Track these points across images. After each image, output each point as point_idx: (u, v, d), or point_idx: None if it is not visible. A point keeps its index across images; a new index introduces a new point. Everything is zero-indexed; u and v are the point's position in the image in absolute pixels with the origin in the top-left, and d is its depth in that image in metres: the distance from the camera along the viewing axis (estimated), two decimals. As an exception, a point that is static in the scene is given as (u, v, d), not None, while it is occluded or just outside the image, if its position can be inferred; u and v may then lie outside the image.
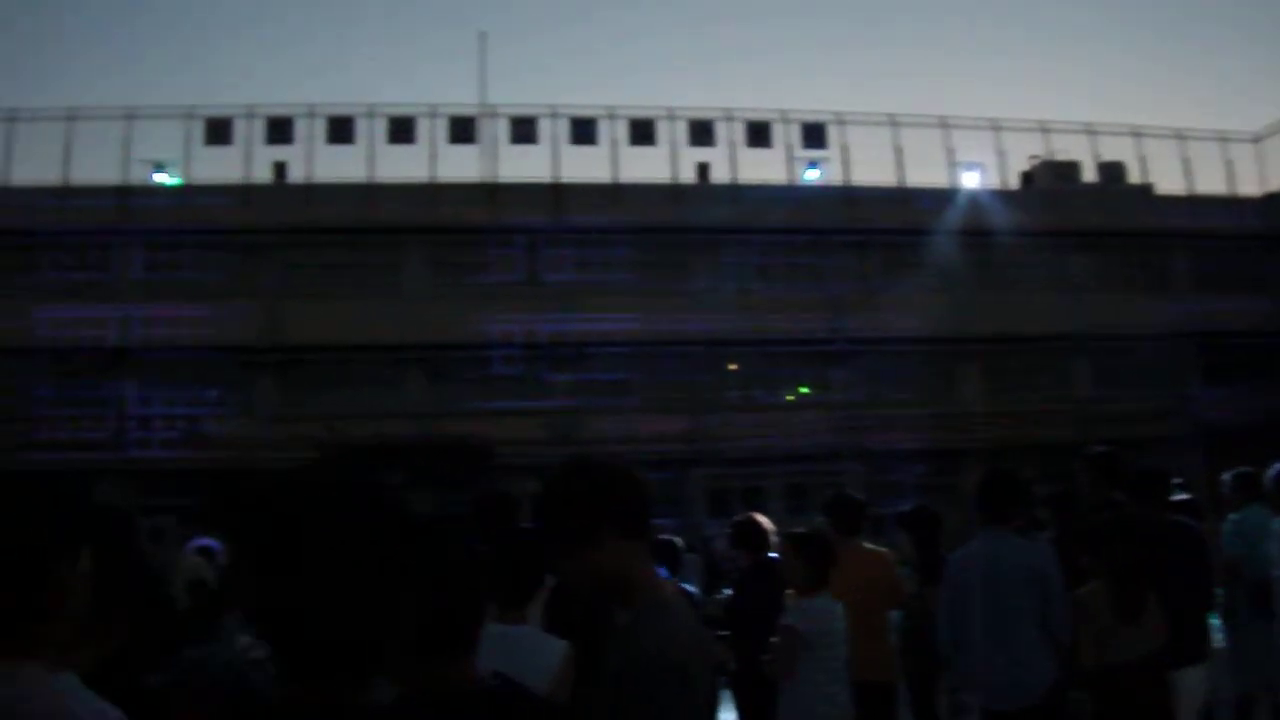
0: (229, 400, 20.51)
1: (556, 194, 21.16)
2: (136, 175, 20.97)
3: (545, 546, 2.31)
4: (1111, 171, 23.91)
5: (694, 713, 1.76)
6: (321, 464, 1.23)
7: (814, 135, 22.25)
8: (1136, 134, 23.47)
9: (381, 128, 20.95)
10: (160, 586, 4.15)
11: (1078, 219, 22.46)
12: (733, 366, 22.19)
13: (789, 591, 4.33)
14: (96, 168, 26.30)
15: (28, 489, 1.46)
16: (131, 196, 20.58)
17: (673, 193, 21.69)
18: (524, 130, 21.17)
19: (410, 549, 1.14)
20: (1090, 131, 23.47)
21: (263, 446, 19.68)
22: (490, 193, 21.01)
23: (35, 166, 29.08)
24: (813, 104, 37.78)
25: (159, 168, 21.21)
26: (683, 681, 1.71)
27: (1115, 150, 23.73)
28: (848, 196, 22.08)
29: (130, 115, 20.89)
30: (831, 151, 22.54)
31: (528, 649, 2.45)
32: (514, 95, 49.46)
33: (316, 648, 1.08)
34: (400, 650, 1.10)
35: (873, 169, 22.44)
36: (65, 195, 20.47)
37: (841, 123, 22.43)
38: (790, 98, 55.12)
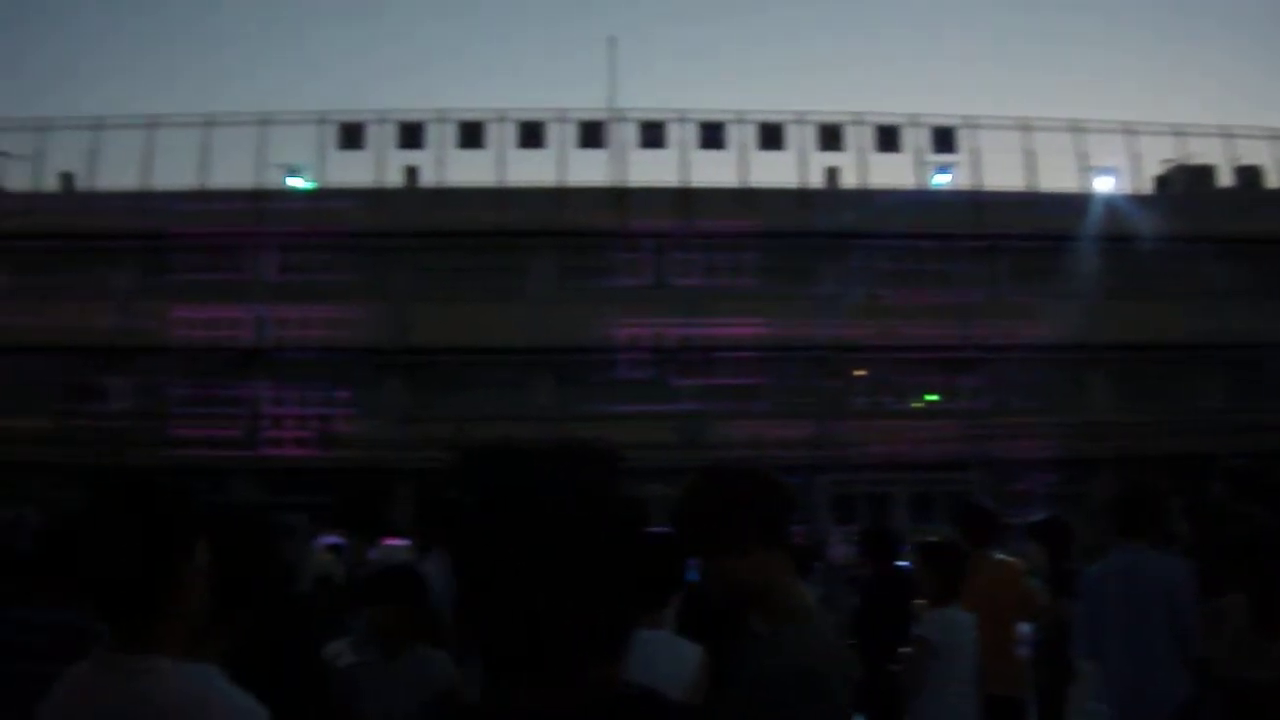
0: (359, 400, 20.69)
1: (684, 199, 21.13)
2: (271, 179, 21.32)
3: (681, 551, 2.26)
4: (1248, 175, 23.35)
5: None
6: (521, 465, 1.07)
7: (944, 139, 22.00)
8: (1275, 136, 22.90)
9: (511, 132, 21.09)
10: (290, 584, 4.25)
11: (1213, 224, 21.91)
12: (860, 372, 21.96)
13: (919, 601, 4.31)
14: (232, 172, 26.95)
15: (145, 487, 1.48)
16: (266, 200, 20.92)
17: (801, 197, 21.55)
18: (653, 135, 21.18)
19: (624, 549, 1.12)
20: (1226, 135, 22.94)
21: (391, 447, 19.98)
22: (619, 197, 21.02)
23: (174, 171, 30.05)
24: (942, 108, 37.44)
25: (293, 172, 21.53)
26: (822, 694, 1.70)
27: (1253, 154, 23.20)
28: (977, 201, 21.78)
29: (265, 121, 21.24)
30: (961, 156, 22.29)
31: (664, 654, 2.45)
32: (643, 100, 49.59)
33: (531, 650, 1.04)
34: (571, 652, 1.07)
35: (1003, 173, 22.22)
36: (202, 199, 20.90)
37: (972, 127, 22.18)
38: (920, 102, 54.64)
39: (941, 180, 22.72)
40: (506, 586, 1.05)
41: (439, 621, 3.35)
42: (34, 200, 21.54)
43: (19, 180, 22.35)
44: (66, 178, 22.41)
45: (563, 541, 1.05)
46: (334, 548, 7.29)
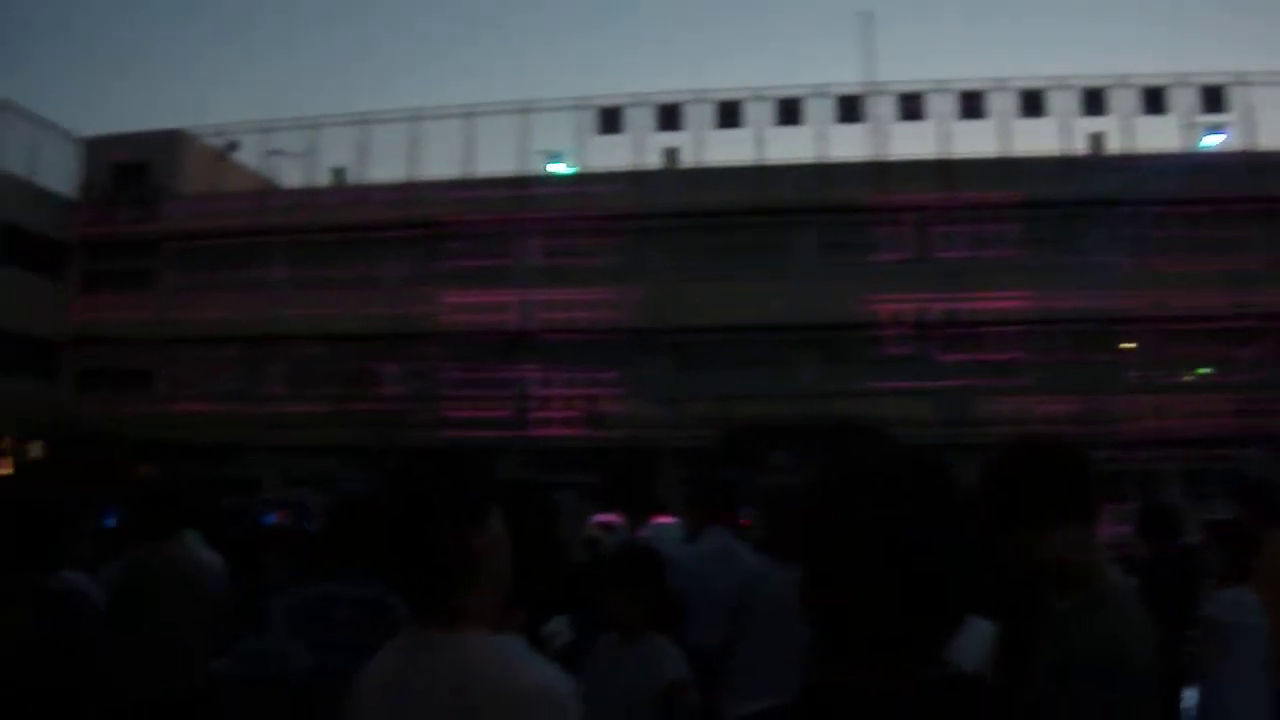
0: (624, 381, 25.33)
1: (945, 170, 25.13)
2: (533, 166, 26.27)
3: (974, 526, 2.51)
4: None
5: (1139, 708, 1.95)
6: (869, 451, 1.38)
7: (1213, 99, 25.46)
8: None
9: (769, 110, 25.50)
10: (565, 560, 5.39)
11: None
12: (1129, 345, 25.53)
13: (1209, 581, 4.68)
14: (496, 160, 32.45)
15: (440, 461, 1.82)
16: (529, 186, 25.84)
17: (1065, 165, 25.29)
18: (911, 107, 25.30)
19: (962, 525, 1.33)
20: None
21: (656, 426, 24.54)
22: (879, 171, 25.20)
23: (440, 162, 36.00)
24: (1211, 65, 40.38)
25: (554, 158, 26.46)
26: (1129, 674, 1.93)
27: None
28: (1253, 163, 25.09)
29: (525, 109, 26.26)
30: (1233, 115, 25.67)
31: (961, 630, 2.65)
32: (900, 72, 53.68)
33: (880, 629, 1.26)
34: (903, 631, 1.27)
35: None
36: (467, 188, 25.94)
37: (1244, 84, 25.57)
38: (1187, 60, 56.58)
39: (1212, 142, 26.16)
40: (860, 565, 1.26)
41: (673, 605, 3.82)
42: (309, 195, 27.08)
43: (294, 177, 28.06)
44: (338, 173, 27.91)
45: (916, 519, 1.26)
46: (605, 525, 8.18)
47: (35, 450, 27.19)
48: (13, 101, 27.82)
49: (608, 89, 53.38)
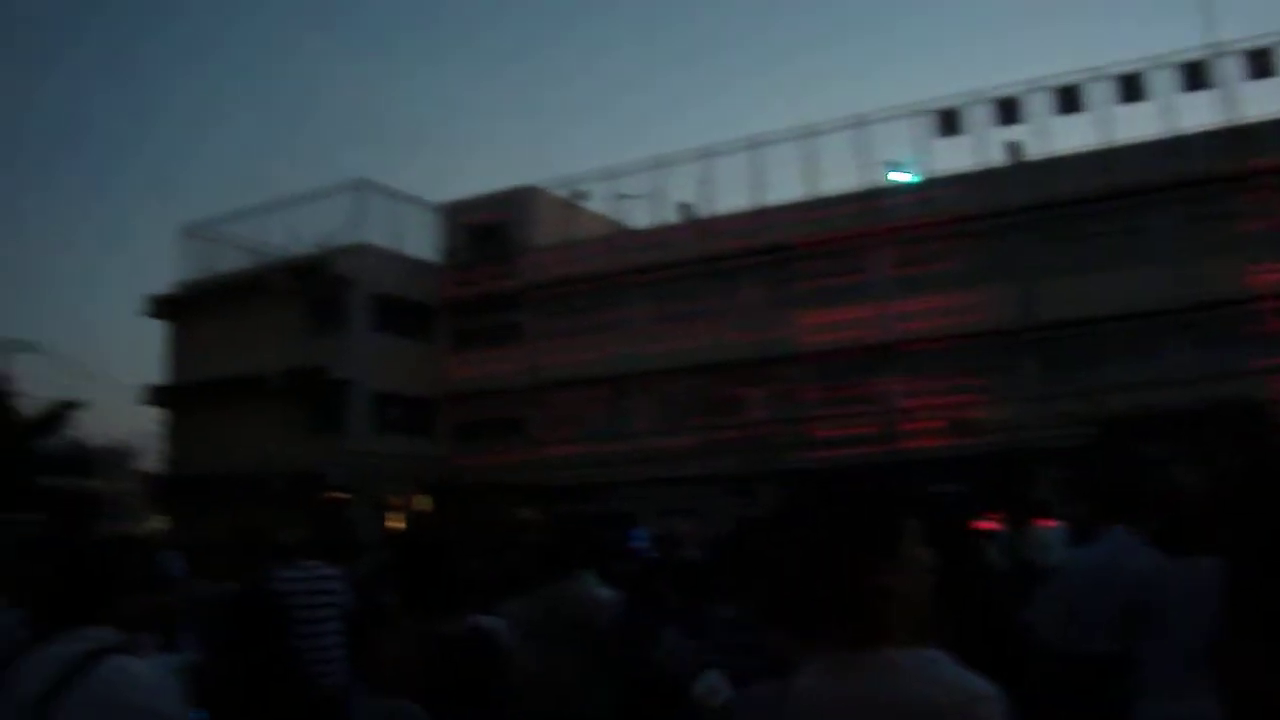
0: (989, 385, 33.06)
1: (1310, 127, 31.50)
2: (877, 177, 34.85)
3: None
4: None
5: None
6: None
7: None
8: None
9: (1110, 89, 32.85)
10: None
11: None
12: None
13: None
14: (838, 177, 41.62)
15: (844, 483, 2.34)
16: (874, 199, 34.35)
17: None
18: (1261, 64, 31.83)
19: None
20: None
21: (1026, 428, 32.00)
22: (1235, 137, 31.88)
23: (783, 185, 46.52)
24: None
25: (895, 167, 34.96)
26: None
27: None
28: None
29: (861, 122, 34.89)
30: None
31: None
32: (1245, 26, 59.44)
33: None
34: None
35: None
36: (813, 208, 34.82)
37: None
38: None
39: None
40: None
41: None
42: (659, 233, 37.04)
43: (643, 217, 38.29)
44: (685, 208, 37.70)
45: None
46: (985, 532, 9.26)
47: (422, 504, 38.35)
48: (370, 180, 39.73)
49: (946, 90, 61.64)
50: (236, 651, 4.49)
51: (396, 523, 35.80)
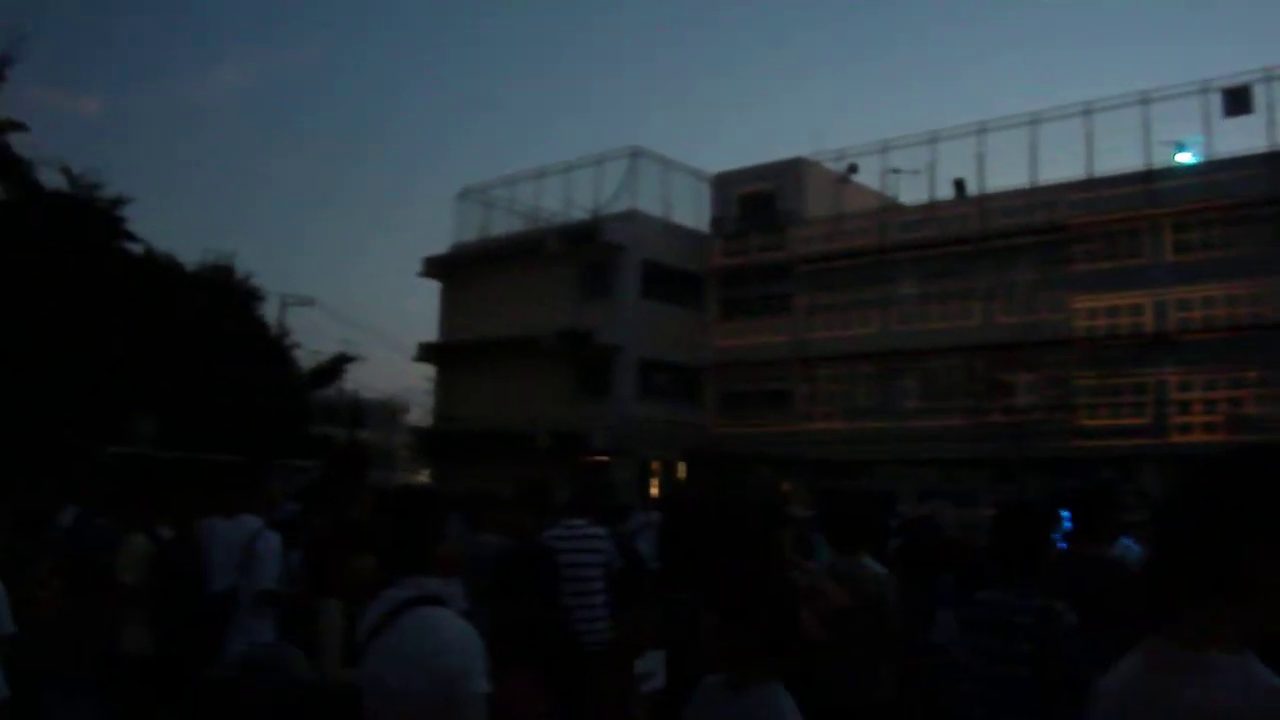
0: (1269, 379, 35.56)
1: None
2: (1158, 158, 37.84)
3: None
4: None
5: None
6: None
7: None
8: None
9: None
10: None
11: None
12: None
13: None
14: (1119, 156, 44.27)
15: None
16: (1154, 180, 37.24)
17: None
18: None
19: None
20: None
21: (1307, 425, 34.41)
22: None
23: (1060, 163, 49.44)
24: None
25: (1179, 147, 37.85)
26: None
27: None
28: None
29: (1145, 100, 37.65)
30: None
31: None
32: None
33: None
34: None
35: None
36: (1091, 187, 38.00)
37: None
38: None
39: None
40: None
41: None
42: (930, 209, 40.99)
43: (915, 193, 42.40)
44: (958, 184, 41.63)
45: None
46: None
47: (679, 472, 43.51)
48: (643, 148, 44.98)
49: (1235, 67, 63.19)
50: (511, 604, 5.07)
51: (653, 489, 40.25)
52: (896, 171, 42.03)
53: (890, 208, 42.78)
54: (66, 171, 34.11)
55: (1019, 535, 5.68)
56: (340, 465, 8.93)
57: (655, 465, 42.40)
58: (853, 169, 44.01)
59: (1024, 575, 5.54)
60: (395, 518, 4.44)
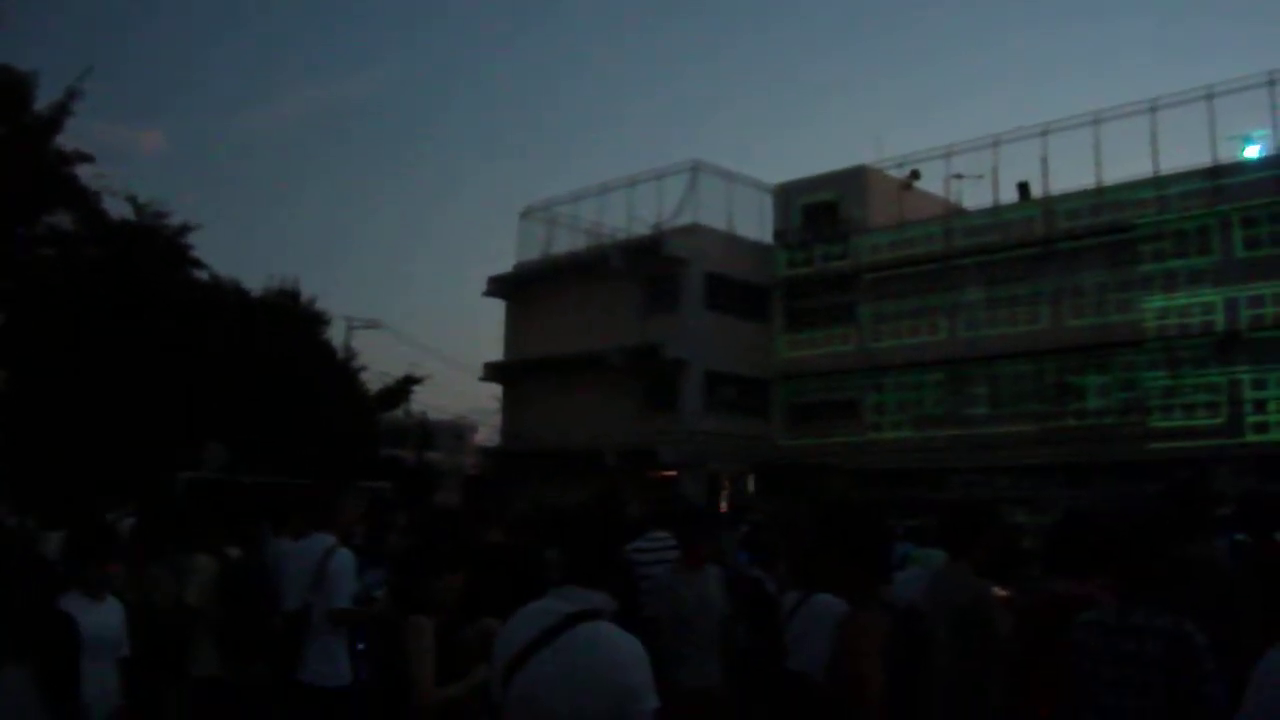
0: (1346, 377, 35.45)
1: None
2: (1224, 153, 37.70)
3: None
4: None
5: None
6: None
7: None
8: None
9: None
10: None
11: None
12: None
13: None
14: (1184, 153, 44.07)
15: None
16: (1222, 175, 37.09)
17: None
18: None
19: None
20: None
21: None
22: None
23: (1125, 162, 49.27)
24: None
25: (1247, 141, 37.67)
26: None
27: None
28: None
29: (1210, 95, 37.58)
30: None
31: None
32: None
33: None
34: None
35: None
36: (1158, 185, 37.96)
37: None
38: None
39: None
40: None
41: None
42: (995, 214, 41.06)
43: (978, 198, 42.49)
44: (1022, 187, 41.65)
45: None
46: None
47: (749, 484, 43.74)
48: (704, 161, 45.38)
49: None
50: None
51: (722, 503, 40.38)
52: (959, 177, 42.23)
53: (954, 213, 42.90)
54: (132, 201, 34.91)
55: (1136, 544, 5.05)
56: (407, 485, 9.03)
57: (724, 479, 42.35)
58: (915, 175, 44.26)
59: (1146, 590, 4.90)
60: (573, 528, 4.36)
